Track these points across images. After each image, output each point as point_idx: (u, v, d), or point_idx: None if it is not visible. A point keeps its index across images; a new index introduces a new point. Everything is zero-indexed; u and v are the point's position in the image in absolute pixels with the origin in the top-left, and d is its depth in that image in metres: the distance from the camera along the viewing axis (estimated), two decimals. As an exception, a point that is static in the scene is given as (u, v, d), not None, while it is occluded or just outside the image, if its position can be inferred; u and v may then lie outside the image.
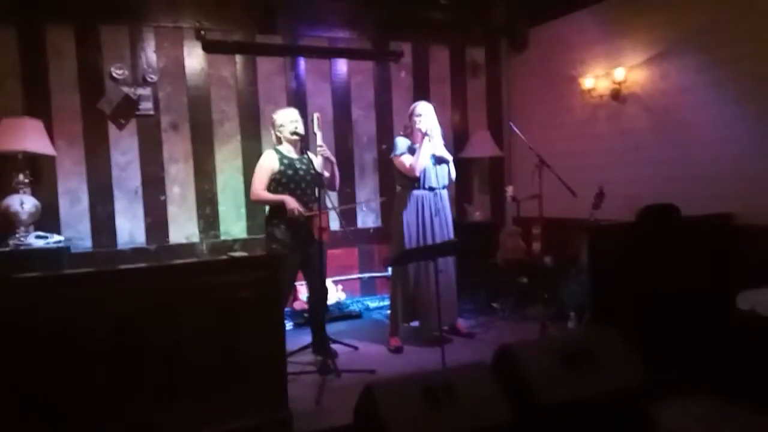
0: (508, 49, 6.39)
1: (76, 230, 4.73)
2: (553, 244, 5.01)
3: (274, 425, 2.93)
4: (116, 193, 4.86)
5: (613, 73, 5.06)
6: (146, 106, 4.88)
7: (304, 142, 4.28)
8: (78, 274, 2.86)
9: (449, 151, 4.64)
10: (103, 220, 4.82)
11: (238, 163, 5.22)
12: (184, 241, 5.07)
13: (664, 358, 3.37)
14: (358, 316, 5.46)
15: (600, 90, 5.23)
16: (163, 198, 5.01)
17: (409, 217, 4.43)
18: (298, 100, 5.31)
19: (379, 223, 5.83)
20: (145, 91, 4.88)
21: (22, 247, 4.12)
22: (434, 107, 4.52)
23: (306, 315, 4.75)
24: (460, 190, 6.05)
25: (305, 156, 4.19)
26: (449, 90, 6.18)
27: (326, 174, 4.17)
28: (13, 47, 4.52)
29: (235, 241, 5.21)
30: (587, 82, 5.32)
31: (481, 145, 6.02)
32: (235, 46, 5.21)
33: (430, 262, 4.32)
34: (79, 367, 2.57)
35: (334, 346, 4.30)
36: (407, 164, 4.38)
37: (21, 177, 4.27)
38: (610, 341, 2.97)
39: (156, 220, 4.98)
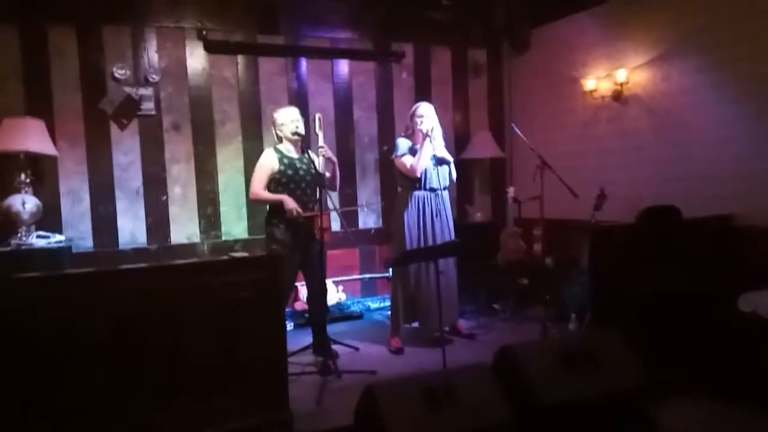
0: (509, 50, 6.39)
1: (77, 230, 4.74)
2: (554, 245, 5.02)
3: (275, 425, 2.93)
4: (118, 193, 4.87)
5: (614, 74, 5.06)
6: (148, 106, 4.89)
7: (305, 142, 4.28)
8: (79, 273, 2.86)
9: (450, 151, 4.65)
10: (104, 220, 4.83)
11: (240, 163, 5.22)
12: (185, 241, 5.08)
13: (665, 359, 3.36)
14: (358, 316, 5.46)
15: (602, 91, 5.23)
16: (164, 198, 5.01)
17: (410, 217, 4.43)
18: (299, 100, 5.31)
19: (380, 224, 5.83)
20: (147, 92, 4.89)
21: (23, 247, 4.13)
22: (436, 108, 4.52)
23: (306, 315, 4.75)
24: (461, 190, 6.05)
25: (305, 155, 4.19)
26: (451, 91, 6.18)
27: (327, 174, 4.17)
28: (15, 47, 4.53)
29: (236, 241, 5.22)
30: (589, 83, 5.32)
31: (483, 146, 6.02)
32: (236, 47, 5.21)
33: (430, 263, 4.32)
34: (79, 367, 2.57)
35: (334, 346, 4.30)
36: (408, 165, 4.38)
37: (23, 177, 4.28)
38: (610, 342, 2.97)
39: (157, 220, 4.98)
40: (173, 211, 5.04)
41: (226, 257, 3.56)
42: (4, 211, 4.15)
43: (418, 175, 4.38)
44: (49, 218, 4.52)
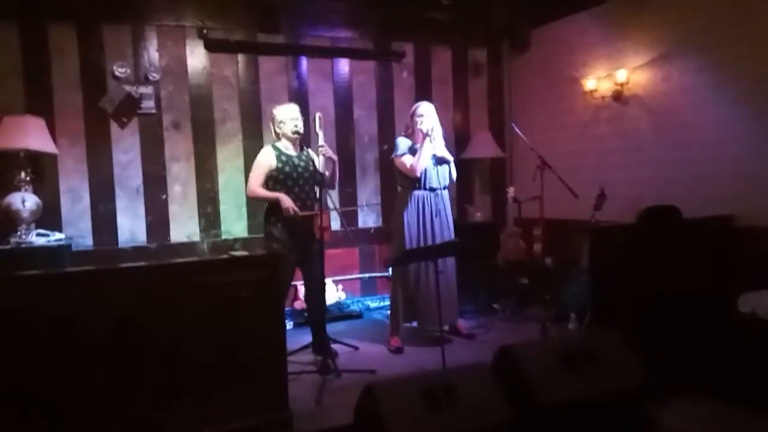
0: (510, 50, 6.39)
1: (77, 228, 4.73)
2: (554, 245, 5.02)
3: (275, 425, 2.93)
4: (118, 191, 4.87)
5: (615, 74, 5.06)
6: (148, 105, 4.89)
7: (304, 140, 4.27)
8: (79, 272, 2.86)
9: (450, 151, 4.65)
10: (104, 219, 4.82)
11: (240, 162, 5.22)
12: (185, 239, 5.07)
13: (665, 359, 3.36)
14: (358, 316, 5.46)
15: (602, 91, 5.23)
16: (164, 197, 5.01)
17: (409, 217, 4.43)
18: (299, 99, 5.30)
19: (379, 223, 5.83)
20: (147, 90, 4.88)
21: (23, 245, 4.12)
22: (436, 108, 4.52)
23: (306, 314, 4.75)
24: (462, 190, 6.05)
25: (304, 153, 4.18)
26: (451, 90, 6.18)
27: (326, 173, 4.16)
28: (15, 45, 4.52)
29: (236, 240, 5.21)
30: (589, 83, 5.32)
31: (483, 146, 6.02)
32: (237, 45, 5.21)
33: (430, 263, 4.32)
34: (79, 366, 2.57)
35: (334, 345, 4.29)
36: (408, 164, 4.38)
37: (23, 175, 4.27)
38: (610, 342, 2.97)
39: (157, 218, 4.98)
40: (173, 209, 5.04)
41: (226, 256, 3.56)
42: (4, 209, 4.15)
43: (418, 175, 4.38)
44: (49, 216, 4.52)
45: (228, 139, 5.21)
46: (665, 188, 4.59)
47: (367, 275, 5.80)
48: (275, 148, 4.13)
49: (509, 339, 4.25)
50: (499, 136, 6.25)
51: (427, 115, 4.41)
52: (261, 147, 4.80)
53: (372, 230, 5.80)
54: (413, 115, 4.47)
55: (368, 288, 5.81)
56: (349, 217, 5.43)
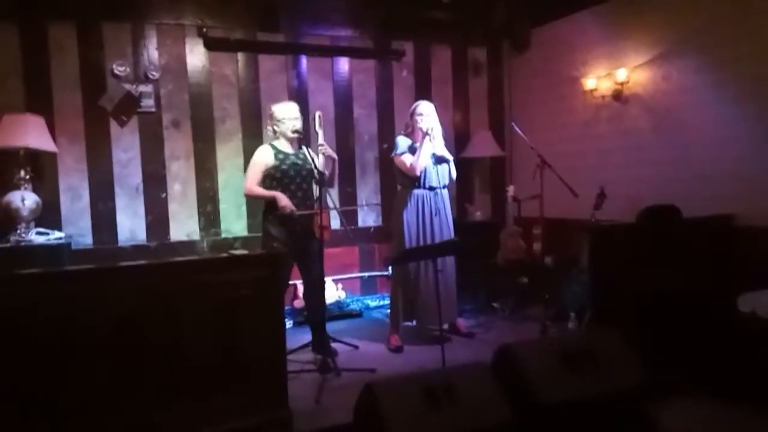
0: (510, 50, 6.38)
1: (77, 227, 4.73)
2: (553, 244, 5.02)
3: (275, 424, 2.92)
4: (117, 190, 4.87)
5: (615, 73, 5.06)
6: (148, 104, 4.88)
7: (302, 139, 4.25)
8: (79, 270, 2.85)
9: (450, 150, 4.65)
10: (104, 217, 4.82)
11: (240, 160, 5.21)
12: (184, 238, 5.07)
13: (665, 359, 3.36)
14: (358, 315, 5.46)
15: (602, 91, 5.22)
16: (164, 195, 5.01)
17: (409, 216, 4.43)
18: (299, 98, 5.29)
19: (379, 222, 5.83)
20: (147, 89, 4.88)
21: (23, 244, 4.12)
22: (436, 107, 4.52)
23: (305, 313, 4.75)
24: (461, 189, 6.05)
25: (301, 152, 4.18)
26: (451, 90, 6.18)
27: (326, 172, 4.16)
28: (15, 44, 4.52)
29: (235, 239, 5.21)
30: (589, 82, 5.32)
31: (483, 145, 6.02)
32: (236, 44, 5.21)
33: (430, 262, 4.32)
34: (79, 366, 2.56)
35: (334, 344, 4.29)
36: (408, 163, 4.38)
37: (22, 173, 4.27)
38: (610, 342, 2.96)
39: (157, 217, 4.98)
40: (173, 208, 5.04)
41: (225, 255, 3.56)
42: (3, 208, 4.15)
43: (418, 174, 4.38)
44: (49, 215, 4.52)
45: (228, 137, 5.21)
46: (665, 187, 4.59)
47: (366, 274, 5.80)
48: (272, 146, 4.13)
49: (509, 338, 4.23)
50: (499, 135, 6.25)
51: (427, 114, 4.41)
52: (261, 145, 4.81)
53: (372, 229, 5.80)
54: (413, 114, 4.47)
55: (368, 287, 5.81)
56: (348, 216, 5.43)
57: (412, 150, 4.42)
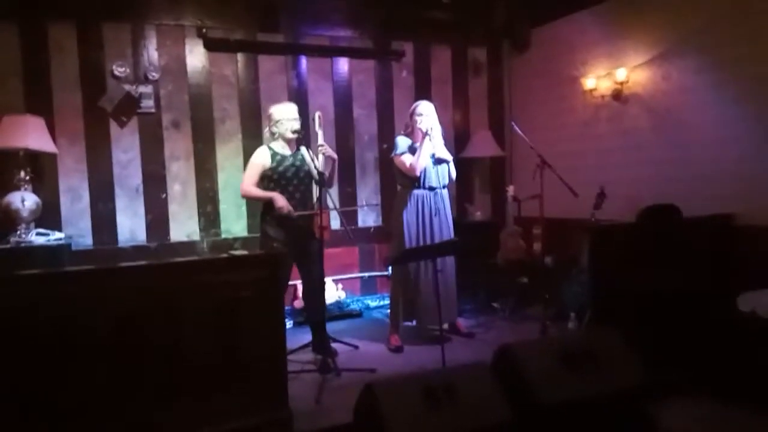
0: (510, 50, 6.38)
1: (77, 227, 4.73)
2: (553, 244, 5.02)
3: (275, 424, 2.93)
4: (117, 190, 4.87)
5: (614, 73, 5.06)
6: (148, 104, 4.88)
7: (302, 140, 4.24)
8: (79, 271, 2.85)
9: (450, 150, 4.65)
10: (104, 218, 4.82)
11: (239, 161, 5.21)
12: (184, 239, 5.07)
13: (665, 358, 3.36)
14: (358, 315, 5.46)
15: (602, 90, 5.22)
16: (164, 196, 5.01)
17: (409, 216, 4.43)
18: (299, 98, 5.30)
19: (379, 222, 5.83)
20: (147, 89, 4.88)
21: (23, 245, 4.12)
22: (435, 107, 4.52)
23: (305, 313, 4.75)
24: (461, 189, 6.05)
25: (299, 153, 4.18)
26: (451, 90, 6.18)
27: (326, 173, 4.15)
28: (15, 45, 4.52)
29: (235, 239, 5.22)
30: (589, 82, 5.32)
31: (483, 145, 6.02)
32: (236, 45, 5.21)
33: (430, 262, 4.32)
34: (79, 366, 2.57)
35: (334, 344, 4.29)
36: (407, 164, 4.38)
37: (22, 174, 4.27)
38: (610, 342, 2.97)
39: (157, 217, 4.98)
40: (173, 208, 5.04)
41: (226, 255, 3.56)
42: (3, 209, 4.14)
43: (418, 174, 4.38)
44: (49, 216, 4.52)
45: (227, 138, 5.21)
46: (665, 187, 4.59)
47: (366, 274, 5.80)
48: (270, 148, 4.13)
49: (509, 338, 4.23)
50: (499, 135, 6.25)
51: (427, 114, 4.41)
52: (260, 146, 4.81)
53: (372, 229, 5.80)
54: (413, 114, 4.47)
55: (368, 287, 5.81)
56: (348, 216, 5.43)
57: (412, 150, 4.42)
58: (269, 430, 2.93)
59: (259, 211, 4.24)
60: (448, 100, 6.13)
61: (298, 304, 5.09)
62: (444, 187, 4.54)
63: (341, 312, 5.38)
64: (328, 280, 5.19)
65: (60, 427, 2.54)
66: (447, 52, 6.15)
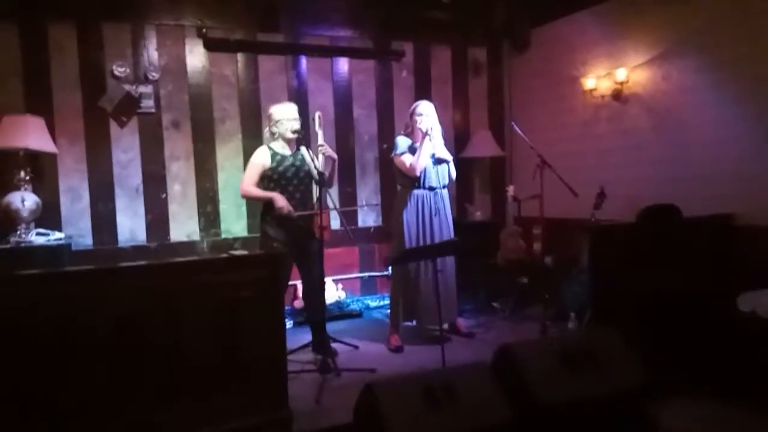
0: (510, 50, 6.38)
1: (77, 227, 4.73)
2: (553, 244, 5.02)
3: (275, 424, 2.92)
4: (117, 190, 4.87)
5: (614, 73, 5.06)
6: (147, 104, 4.88)
7: (302, 140, 4.23)
8: (79, 271, 2.85)
9: (450, 150, 4.65)
10: (104, 218, 4.82)
11: (239, 161, 5.21)
12: (184, 239, 5.07)
13: (665, 358, 3.36)
14: (358, 315, 5.46)
15: (602, 90, 5.22)
16: (164, 196, 5.01)
17: (409, 216, 4.43)
18: (299, 98, 5.30)
19: (379, 222, 5.83)
20: (147, 89, 4.88)
21: (23, 245, 4.12)
22: (435, 107, 4.52)
23: (305, 313, 4.75)
24: (461, 189, 6.05)
25: (299, 153, 4.18)
26: (451, 90, 6.18)
27: (326, 172, 4.15)
28: (15, 45, 4.52)
29: (235, 239, 5.22)
30: (589, 82, 5.32)
31: (483, 145, 6.02)
32: (236, 45, 5.21)
33: (430, 262, 4.32)
34: (79, 366, 2.56)
35: (334, 344, 4.30)
36: (407, 164, 4.38)
37: (22, 174, 4.27)
38: (610, 342, 2.96)
39: (157, 217, 4.98)
40: (173, 208, 5.04)
41: (226, 255, 3.56)
42: (3, 209, 4.14)
43: (418, 174, 4.38)
44: (49, 216, 4.52)
45: (227, 138, 5.21)
46: (665, 187, 4.59)
47: (366, 274, 5.80)
48: (270, 148, 4.13)
49: (509, 338, 4.23)
50: (499, 135, 6.25)
51: (427, 114, 4.41)
52: (260, 146, 4.82)
53: (372, 229, 5.80)
54: (413, 114, 4.47)
55: (368, 287, 5.81)
56: (348, 216, 5.42)
57: (412, 150, 4.42)
58: (269, 430, 2.93)
59: (259, 211, 4.24)
60: (448, 100, 6.13)
61: (298, 304, 5.09)
62: (444, 187, 4.54)
63: (341, 312, 5.38)
64: (328, 280, 5.19)
65: (60, 427, 2.54)
66: (447, 52, 6.15)
